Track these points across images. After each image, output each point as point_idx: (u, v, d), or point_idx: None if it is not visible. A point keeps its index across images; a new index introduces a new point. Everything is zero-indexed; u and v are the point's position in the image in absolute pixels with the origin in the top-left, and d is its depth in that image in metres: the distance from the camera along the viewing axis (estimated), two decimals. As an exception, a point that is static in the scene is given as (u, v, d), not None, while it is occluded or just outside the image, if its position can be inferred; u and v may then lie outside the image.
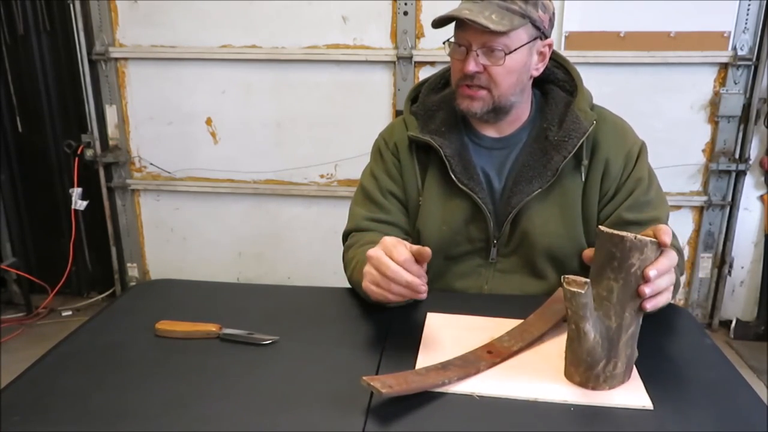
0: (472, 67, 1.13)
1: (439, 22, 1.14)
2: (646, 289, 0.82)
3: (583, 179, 1.20)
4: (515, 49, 1.12)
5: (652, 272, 0.81)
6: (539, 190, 1.18)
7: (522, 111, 1.23)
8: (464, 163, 1.21)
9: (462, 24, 1.13)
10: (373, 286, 0.98)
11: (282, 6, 2.58)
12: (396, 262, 0.93)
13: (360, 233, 1.25)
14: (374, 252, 0.96)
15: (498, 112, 1.19)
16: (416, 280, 0.92)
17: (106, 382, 0.89)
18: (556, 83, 1.26)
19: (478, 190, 1.20)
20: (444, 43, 1.18)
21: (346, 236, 1.30)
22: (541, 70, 1.21)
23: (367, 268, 0.98)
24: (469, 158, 1.22)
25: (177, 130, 2.82)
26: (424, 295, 0.94)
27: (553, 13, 1.19)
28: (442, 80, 1.31)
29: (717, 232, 2.67)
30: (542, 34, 1.16)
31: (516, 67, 1.14)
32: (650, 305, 0.84)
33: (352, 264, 1.16)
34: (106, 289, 3.10)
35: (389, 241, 0.97)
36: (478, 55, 1.13)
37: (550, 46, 1.20)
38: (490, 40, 1.11)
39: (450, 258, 1.26)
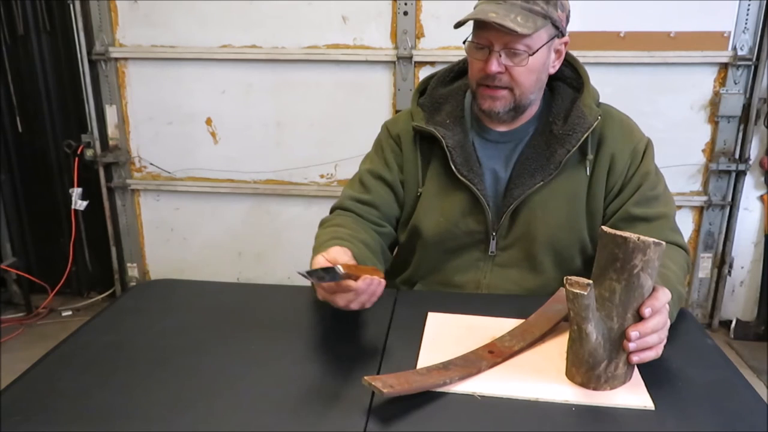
0: (495, 67, 1.13)
1: (464, 23, 1.14)
2: (630, 345, 0.82)
3: (588, 174, 1.20)
4: (537, 50, 1.13)
5: (633, 333, 0.82)
6: (541, 182, 1.19)
7: (534, 107, 1.24)
8: (465, 155, 1.22)
9: (483, 25, 1.12)
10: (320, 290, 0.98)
11: (282, 6, 2.57)
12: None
13: (338, 211, 1.28)
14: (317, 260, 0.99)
15: (518, 110, 1.20)
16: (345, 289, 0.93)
17: (107, 382, 0.89)
18: (564, 80, 1.26)
19: (477, 181, 1.21)
20: (463, 42, 1.17)
21: (332, 211, 1.32)
22: (558, 67, 1.22)
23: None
24: (470, 151, 1.23)
25: (177, 130, 2.81)
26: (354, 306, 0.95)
27: (569, 11, 1.19)
28: (451, 74, 1.31)
29: (717, 232, 2.67)
30: (560, 32, 1.17)
31: (537, 66, 1.15)
32: (637, 359, 0.84)
33: (315, 246, 1.16)
34: (106, 289, 3.10)
35: (334, 251, 1.00)
36: (500, 56, 1.13)
37: (566, 43, 1.20)
38: (513, 41, 1.11)
39: (448, 251, 1.27)
